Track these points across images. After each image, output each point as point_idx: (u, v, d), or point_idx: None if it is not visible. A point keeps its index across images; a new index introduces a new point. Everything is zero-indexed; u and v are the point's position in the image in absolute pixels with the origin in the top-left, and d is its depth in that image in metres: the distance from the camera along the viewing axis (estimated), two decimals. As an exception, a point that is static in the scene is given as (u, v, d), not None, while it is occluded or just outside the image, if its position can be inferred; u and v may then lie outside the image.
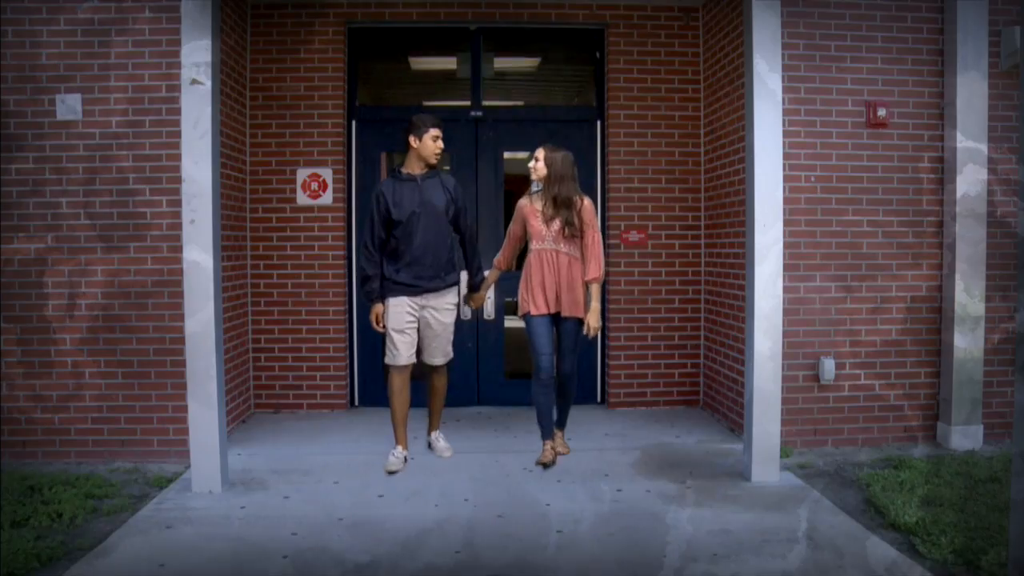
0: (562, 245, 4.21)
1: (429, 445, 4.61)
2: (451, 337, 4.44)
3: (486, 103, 5.80)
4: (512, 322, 5.98)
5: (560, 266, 4.22)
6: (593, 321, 4.22)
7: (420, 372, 4.52)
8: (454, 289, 4.40)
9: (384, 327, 4.25)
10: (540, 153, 4.22)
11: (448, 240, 4.30)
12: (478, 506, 3.76)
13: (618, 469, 4.30)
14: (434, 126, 4.21)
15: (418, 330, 4.33)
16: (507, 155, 5.93)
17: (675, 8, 5.64)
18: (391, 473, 4.16)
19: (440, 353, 4.42)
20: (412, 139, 4.21)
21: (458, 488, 4.01)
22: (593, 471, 4.22)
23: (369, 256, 4.22)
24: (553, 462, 4.27)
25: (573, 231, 4.17)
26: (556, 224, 4.19)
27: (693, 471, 4.25)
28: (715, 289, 5.46)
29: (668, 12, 5.64)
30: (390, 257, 4.24)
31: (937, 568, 3.09)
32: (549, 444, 4.35)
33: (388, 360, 4.30)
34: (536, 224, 4.25)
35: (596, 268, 4.20)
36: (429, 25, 5.67)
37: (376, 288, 4.23)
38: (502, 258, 4.52)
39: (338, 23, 5.54)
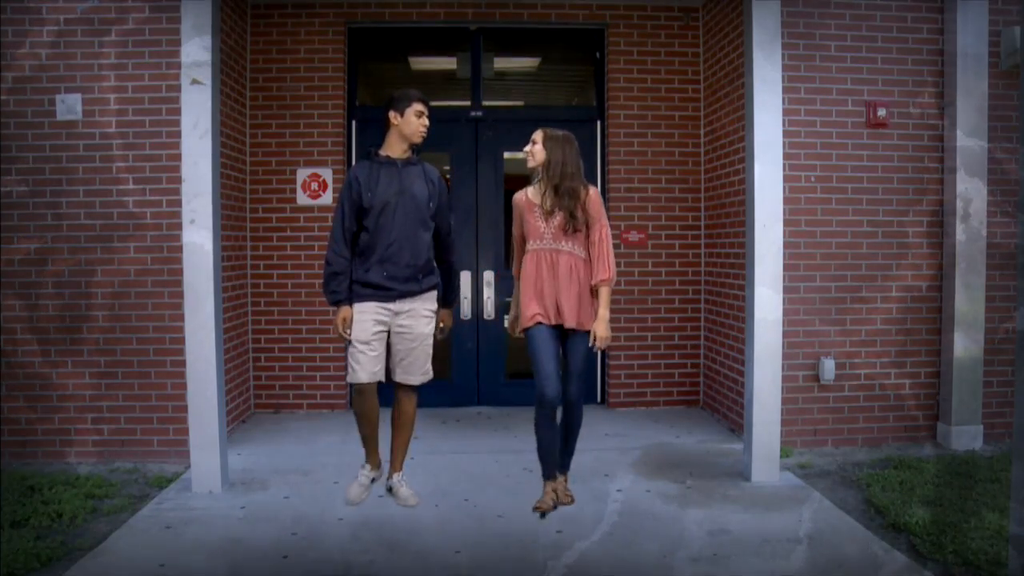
0: (563, 243, 3.53)
1: (390, 490, 3.82)
2: (430, 352, 3.70)
3: (486, 103, 5.80)
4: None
5: (560, 269, 3.53)
6: (601, 331, 3.53)
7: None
8: (433, 295, 3.69)
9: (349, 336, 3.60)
10: (538, 135, 3.60)
11: (428, 237, 3.64)
12: (478, 506, 3.76)
13: (618, 469, 4.30)
14: (418, 100, 3.57)
15: (388, 344, 3.65)
16: (507, 155, 5.93)
17: (675, 8, 5.64)
18: (353, 504, 3.65)
19: (417, 371, 3.67)
20: (392, 115, 3.56)
21: (458, 488, 4.00)
22: (593, 471, 4.22)
23: (337, 250, 3.56)
24: (553, 508, 3.63)
25: (576, 225, 3.50)
26: (556, 219, 3.53)
27: (693, 471, 4.25)
28: (715, 289, 5.46)
29: (668, 12, 5.64)
30: (359, 254, 3.59)
31: (938, 568, 3.09)
32: (551, 486, 3.69)
33: (349, 378, 3.63)
34: (533, 220, 3.58)
35: (605, 268, 3.55)
36: (429, 25, 5.67)
37: (344, 288, 3.57)
38: (519, 268, 3.73)
39: (338, 23, 5.54)
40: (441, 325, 3.78)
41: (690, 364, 5.73)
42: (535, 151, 3.58)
